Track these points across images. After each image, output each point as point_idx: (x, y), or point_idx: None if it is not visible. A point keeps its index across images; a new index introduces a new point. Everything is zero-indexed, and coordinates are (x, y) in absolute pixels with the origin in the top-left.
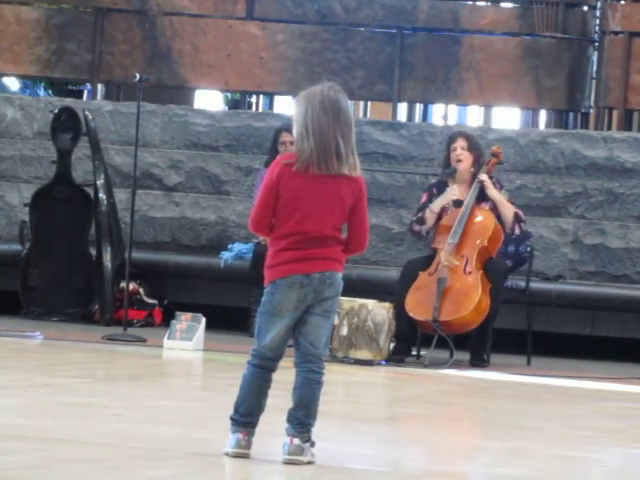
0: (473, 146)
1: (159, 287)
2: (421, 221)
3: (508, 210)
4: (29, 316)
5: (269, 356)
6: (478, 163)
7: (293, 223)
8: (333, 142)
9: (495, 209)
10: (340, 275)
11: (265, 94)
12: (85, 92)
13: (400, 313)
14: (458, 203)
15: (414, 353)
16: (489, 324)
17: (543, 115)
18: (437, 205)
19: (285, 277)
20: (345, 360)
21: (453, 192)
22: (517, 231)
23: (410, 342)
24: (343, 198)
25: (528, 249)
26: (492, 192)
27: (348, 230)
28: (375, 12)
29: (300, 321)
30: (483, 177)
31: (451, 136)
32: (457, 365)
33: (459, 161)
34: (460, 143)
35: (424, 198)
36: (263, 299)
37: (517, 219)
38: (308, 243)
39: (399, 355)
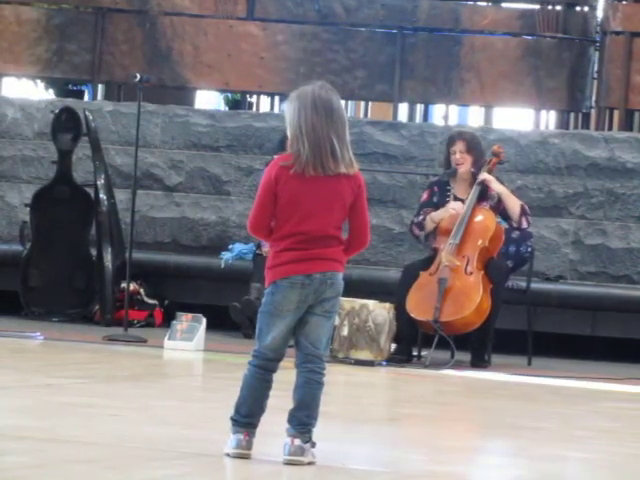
0: (472, 146)
1: (160, 287)
2: (421, 226)
3: (514, 202)
4: (29, 316)
5: (270, 357)
6: (478, 162)
7: (293, 224)
8: (328, 143)
9: (499, 204)
10: (341, 275)
11: (266, 94)
12: (86, 92)
13: (401, 314)
14: (459, 201)
15: (415, 354)
16: (490, 324)
17: (544, 115)
18: (437, 217)
19: (286, 277)
20: (346, 360)
21: (453, 208)
22: (524, 224)
23: (411, 343)
24: (342, 196)
25: (529, 249)
26: (497, 186)
27: (349, 227)
28: (376, 12)
29: (301, 321)
30: (484, 176)
31: (450, 138)
32: (458, 365)
33: (459, 164)
34: (459, 147)
35: (425, 196)
36: (264, 299)
37: (524, 212)
38: (309, 243)
39: (400, 356)
